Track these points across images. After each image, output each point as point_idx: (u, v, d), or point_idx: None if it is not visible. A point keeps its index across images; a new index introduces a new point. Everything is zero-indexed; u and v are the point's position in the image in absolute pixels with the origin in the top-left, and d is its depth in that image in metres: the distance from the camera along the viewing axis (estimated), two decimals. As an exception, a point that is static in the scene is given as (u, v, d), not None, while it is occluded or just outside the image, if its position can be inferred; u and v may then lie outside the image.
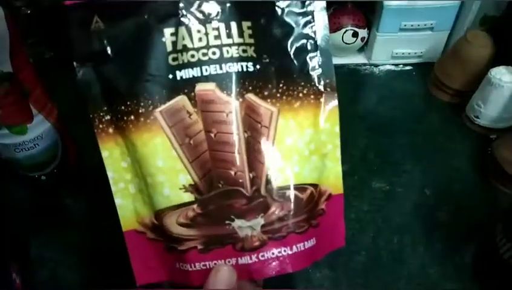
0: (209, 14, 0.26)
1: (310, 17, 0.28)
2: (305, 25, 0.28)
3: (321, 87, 0.29)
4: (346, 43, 0.65)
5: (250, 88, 0.27)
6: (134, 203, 0.29)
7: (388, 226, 0.47)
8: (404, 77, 0.66)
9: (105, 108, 0.27)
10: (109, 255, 0.44)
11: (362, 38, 0.65)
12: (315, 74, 0.29)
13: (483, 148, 0.54)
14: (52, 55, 0.64)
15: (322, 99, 0.29)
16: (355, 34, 0.64)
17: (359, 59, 0.68)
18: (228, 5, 0.26)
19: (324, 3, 0.29)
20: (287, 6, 0.28)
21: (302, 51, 0.28)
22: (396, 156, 0.54)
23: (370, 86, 0.65)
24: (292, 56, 0.28)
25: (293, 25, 0.28)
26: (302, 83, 0.28)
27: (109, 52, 0.26)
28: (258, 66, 0.27)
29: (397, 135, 0.57)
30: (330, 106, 0.29)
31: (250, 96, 0.27)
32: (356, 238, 0.45)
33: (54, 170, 0.49)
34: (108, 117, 0.27)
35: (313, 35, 0.28)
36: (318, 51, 0.29)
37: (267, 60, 0.27)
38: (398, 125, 0.58)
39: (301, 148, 0.28)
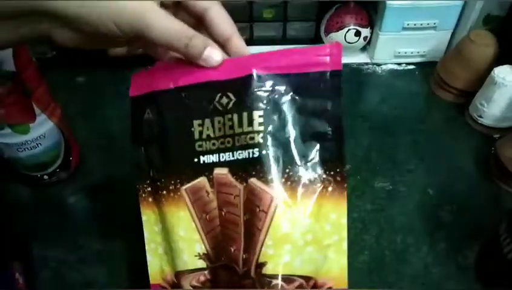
0: (227, 105, 0.29)
1: (324, 106, 0.29)
2: (319, 115, 0.29)
3: (330, 177, 0.29)
4: (349, 42, 0.65)
5: (254, 173, 0.28)
6: (161, 262, 0.33)
7: (391, 225, 0.46)
8: (407, 76, 0.66)
9: (148, 181, 0.32)
10: (112, 254, 0.44)
11: (365, 38, 0.65)
12: (324, 162, 0.29)
13: (486, 147, 0.54)
14: (55, 55, 0.64)
15: (330, 189, 0.29)
16: (358, 33, 0.64)
17: (361, 58, 0.68)
18: (243, 97, 0.29)
19: (339, 93, 0.29)
20: (301, 97, 0.29)
21: (313, 139, 0.29)
22: (399, 155, 0.54)
23: (372, 85, 0.65)
24: (302, 143, 0.29)
25: (305, 114, 0.29)
26: (310, 170, 0.29)
27: (154, 137, 0.32)
28: (263, 152, 0.28)
29: (400, 134, 0.56)
30: (338, 197, 0.29)
31: (253, 181, 0.28)
32: (359, 238, 0.45)
33: (57, 169, 0.49)
34: (150, 189, 0.32)
35: (326, 125, 0.29)
36: (331, 140, 0.29)
37: (274, 147, 0.28)
38: (401, 125, 0.58)
39: (295, 238, 0.28)
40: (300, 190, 0.28)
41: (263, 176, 0.28)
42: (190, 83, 0.30)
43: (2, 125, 0.42)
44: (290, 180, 0.28)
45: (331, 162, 0.29)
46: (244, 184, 0.29)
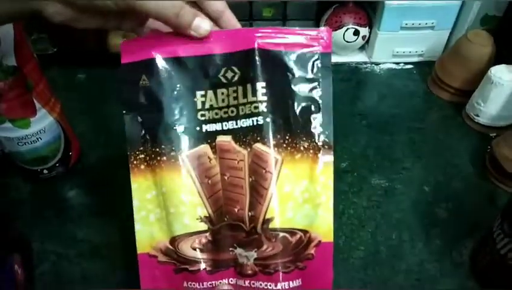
0: (232, 78, 0.32)
1: (316, 83, 0.32)
2: (311, 90, 0.32)
3: (320, 144, 0.32)
4: (347, 42, 0.65)
5: (259, 138, 0.31)
6: (151, 229, 0.33)
7: (387, 222, 0.47)
8: (405, 75, 0.66)
9: (141, 148, 0.32)
10: (110, 248, 0.44)
11: (363, 37, 0.66)
12: (316, 132, 0.32)
13: (482, 146, 0.54)
14: (56, 51, 0.65)
15: (319, 155, 0.32)
16: (356, 33, 0.65)
17: (360, 57, 0.69)
18: (247, 70, 0.31)
19: (330, 72, 0.32)
20: (297, 72, 0.32)
21: (307, 111, 0.32)
22: (396, 153, 0.54)
23: (370, 84, 0.65)
24: (298, 114, 0.32)
25: (301, 89, 0.32)
26: (304, 138, 0.32)
27: (152, 104, 0.32)
28: (267, 120, 0.32)
29: (398, 132, 0.57)
30: (326, 161, 0.32)
31: (258, 146, 0.31)
32: (355, 234, 0.46)
33: (56, 164, 0.49)
34: (142, 156, 0.32)
35: (317, 99, 0.32)
36: (321, 113, 0.32)
37: (276, 115, 0.32)
38: (398, 123, 0.58)
39: (296, 196, 0.32)
40: (298, 154, 0.32)
41: (267, 141, 0.31)
42: (193, 54, 0.32)
43: (3, 120, 0.42)
44: (290, 145, 0.32)
45: (322, 133, 0.32)
46: (249, 149, 0.32)
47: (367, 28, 0.65)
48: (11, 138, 0.44)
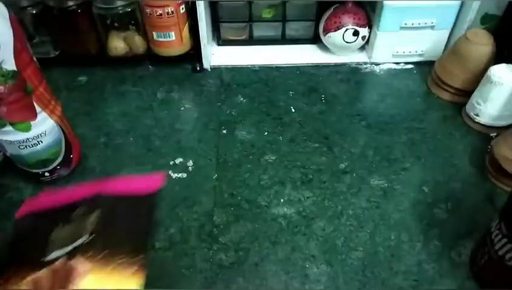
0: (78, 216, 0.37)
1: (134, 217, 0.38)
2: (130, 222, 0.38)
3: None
4: (347, 42, 0.65)
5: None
6: None
7: (385, 223, 0.47)
8: (405, 75, 0.66)
9: None
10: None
11: (363, 37, 0.66)
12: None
13: (482, 146, 0.54)
14: (57, 54, 0.65)
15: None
16: (356, 33, 0.65)
17: (360, 58, 0.69)
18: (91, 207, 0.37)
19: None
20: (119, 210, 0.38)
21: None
22: (395, 153, 0.54)
23: (370, 85, 0.65)
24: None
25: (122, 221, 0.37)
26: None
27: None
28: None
29: (397, 133, 0.57)
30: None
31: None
32: (353, 234, 0.46)
33: (57, 166, 0.50)
34: None
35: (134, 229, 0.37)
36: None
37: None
38: (398, 124, 0.58)
39: None
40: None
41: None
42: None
43: (4, 123, 0.43)
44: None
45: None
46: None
47: (367, 28, 0.65)
48: (12, 141, 0.44)
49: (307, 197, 0.49)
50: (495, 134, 0.55)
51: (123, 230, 0.36)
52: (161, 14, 0.60)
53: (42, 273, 0.33)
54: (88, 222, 0.36)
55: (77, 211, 0.37)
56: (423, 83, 0.65)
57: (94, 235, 0.35)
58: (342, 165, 0.53)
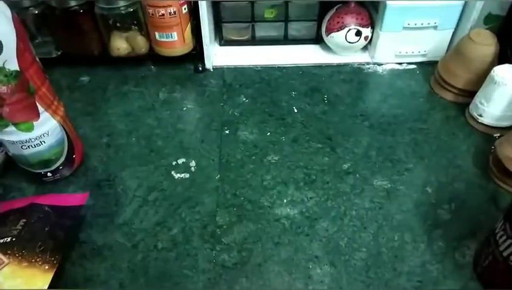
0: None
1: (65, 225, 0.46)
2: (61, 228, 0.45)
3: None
4: (349, 42, 0.65)
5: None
6: None
7: (389, 223, 0.47)
8: (408, 75, 0.66)
9: None
10: (112, 250, 0.44)
11: (366, 37, 0.66)
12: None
13: (486, 146, 0.54)
14: (59, 55, 0.65)
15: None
16: (358, 33, 0.64)
17: (362, 58, 0.69)
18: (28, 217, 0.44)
19: None
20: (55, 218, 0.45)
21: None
22: (398, 154, 0.54)
23: (373, 85, 0.65)
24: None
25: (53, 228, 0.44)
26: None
27: None
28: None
29: (400, 133, 0.57)
30: None
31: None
32: (356, 235, 0.46)
33: (60, 167, 0.50)
34: None
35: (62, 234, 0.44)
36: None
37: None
38: (401, 124, 0.58)
39: None
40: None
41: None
42: None
43: (7, 123, 0.43)
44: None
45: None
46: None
47: (369, 28, 0.65)
48: (15, 141, 0.44)
49: (310, 198, 0.49)
50: (498, 134, 0.55)
51: (42, 236, 0.43)
52: (163, 15, 0.60)
53: None
54: (13, 228, 0.43)
55: (10, 217, 0.45)
56: (426, 83, 0.64)
57: (15, 239, 0.42)
58: (345, 166, 0.53)
